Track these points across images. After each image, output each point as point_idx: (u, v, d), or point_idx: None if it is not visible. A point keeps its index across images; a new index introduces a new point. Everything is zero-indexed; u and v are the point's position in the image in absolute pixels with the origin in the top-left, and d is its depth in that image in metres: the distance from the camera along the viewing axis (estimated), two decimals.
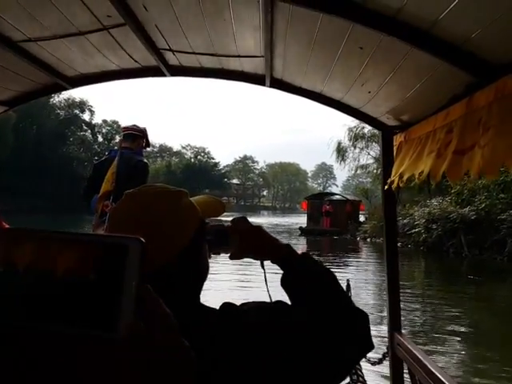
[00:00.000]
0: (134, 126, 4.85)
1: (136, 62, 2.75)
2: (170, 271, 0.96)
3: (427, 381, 2.34)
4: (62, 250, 0.54)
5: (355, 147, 38.27)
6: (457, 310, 11.14)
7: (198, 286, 1.06)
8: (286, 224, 48.23)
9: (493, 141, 1.65)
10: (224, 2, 2.04)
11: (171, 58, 2.75)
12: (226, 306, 1.03)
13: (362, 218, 35.75)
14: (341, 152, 40.13)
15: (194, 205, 1.06)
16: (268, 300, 1.19)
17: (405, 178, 2.50)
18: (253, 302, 1.08)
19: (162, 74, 2.86)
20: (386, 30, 1.87)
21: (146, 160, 4.81)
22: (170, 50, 2.63)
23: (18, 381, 0.56)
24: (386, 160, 2.93)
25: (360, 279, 14.50)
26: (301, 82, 2.92)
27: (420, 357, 2.51)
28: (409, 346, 2.72)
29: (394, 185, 2.72)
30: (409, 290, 12.87)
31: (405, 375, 3.01)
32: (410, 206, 26.80)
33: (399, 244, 25.26)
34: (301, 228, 34.73)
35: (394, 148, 2.85)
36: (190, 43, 2.55)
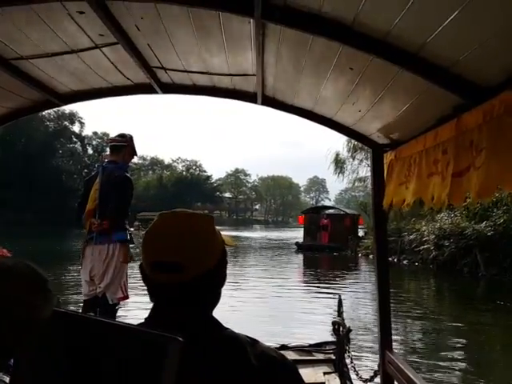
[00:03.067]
0: (119, 135, 4.81)
1: (128, 79, 2.77)
2: (203, 282, 1.07)
3: None
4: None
5: (354, 158, 35.73)
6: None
7: (217, 299, 1.16)
8: (280, 239, 47.00)
9: (486, 163, 1.67)
10: (216, 23, 2.06)
11: (163, 76, 2.77)
12: (243, 338, 1.09)
13: (361, 233, 33.97)
14: (339, 164, 37.92)
15: (218, 230, 1.18)
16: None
17: (410, 200, 2.44)
18: (270, 348, 1.13)
19: (154, 92, 2.87)
20: (375, 51, 1.90)
21: (128, 173, 4.75)
22: (162, 68, 2.64)
23: None
24: (377, 177, 2.96)
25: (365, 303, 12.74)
26: (292, 100, 2.95)
27: (410, 375, 2.51)
28: (399, 365, 2.71)
29: (386, 203, 2.74)
30: (418, 321, 11.21)
31: None
32: (416, 220, 24.86)
33: (406, 261, 23.80)
34: (297, 243, 33.12)
35: (385, 166, 2.88)
36: (182, 61, 2.57)
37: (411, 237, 23.60)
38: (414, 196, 2.34)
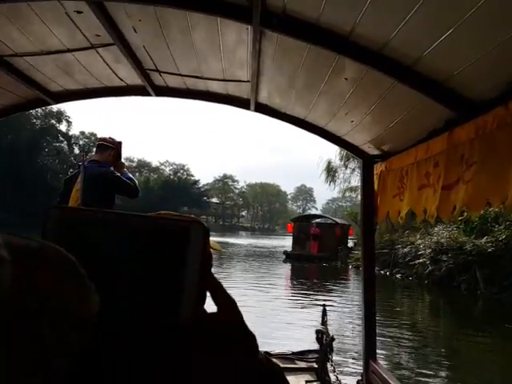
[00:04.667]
0: (110, 138, 4.79)
1: (122, 80, 2.76)
2: None
3: None
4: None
5: (346, 167, 34.18)
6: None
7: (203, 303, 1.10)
8: (267, 246, 45.43)
9: (476, 177, 1.69)
10: (214, 28, 2.06)
11: (157, 79, 2.77)
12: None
13: (350, 244, 32.40)
14: (330, 172, 36.41)
15: None
16: None
17: (403, 212, 2.47)
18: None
19: (148, 94, 2.87)
20: (370, 63, 1.92)
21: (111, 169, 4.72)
22: (157, 70, 2.64)
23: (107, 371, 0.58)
24: (367, 188, 2.97)
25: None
26: (285, 107, 2.96)
27: None
28: (383, 375, 2.72)
29: (381, 214, 2.75)
30: (410, 341, 10.33)
31: None
32: (410, 233, 23.76)
33: (399, 276, 22.70)
34: (286, 252, 31.91)
35: (375, 176, 2.90)
36: (177, 65, 2.57)
37: (405, 250, 22.64)
38: (407, 208, 2.36)
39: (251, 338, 0.64)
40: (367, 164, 2.99)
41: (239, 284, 17.24)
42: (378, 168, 2.86)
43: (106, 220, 0.56)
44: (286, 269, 26.86)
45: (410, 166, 2.38)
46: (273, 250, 40.12)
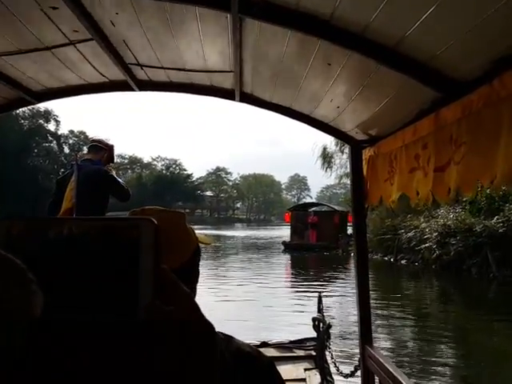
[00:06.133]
0: (100, 140, 4.78)
1: (104, 76, 2.72)
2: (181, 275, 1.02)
3: None
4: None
5: (343, 152, 32.56)
6: None
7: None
8: (265, 238, 44.82)
9: (466, 157, 1.68)
10: (192, 18, 2.03)
11: (139, 73, 2.73)
12: (218, 335, 1.05)
13: (349, 231, 30.53)
14: (326, 158, 35.72)
15: (191, 227, 1.15)
16: None
17: (395, 197, 2.45)
18: (245, 344, 1.08)
19: (131, 89, 2.83)
20: (352, 46, 1.90)
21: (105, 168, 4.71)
22: (138, 64, 2.60)
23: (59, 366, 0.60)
24: (356, 174, 2.96)
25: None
26: (270, 96, 2.93)
27: (391, 370, 2.52)
28: (380, 359, 2.72)
29: (373, 199, 2.74)
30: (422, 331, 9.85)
31: None
32: (413, 216, 22.77)
33: (404, 261, 22.10)
34: (284, 243, 31.11)
35: (364, 162, 2.88)
36: (159, 58, 2.53)
37: (409, 234, 21.60)
38: (399, 192, 2.34)
39: (209, 330, 0.65)
40: (355, 149, 2.97)
41: (240, 279, 16.98)
42: (367, 153, 2.84)
43: (55, 224, 0.57)
44: (285, 260, 26.42)
45: (398, 149, 2.36)
46: (270, 240, 39.63)
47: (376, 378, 2.81)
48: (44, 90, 2.83)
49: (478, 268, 17.89)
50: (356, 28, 1.80)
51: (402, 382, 2.33)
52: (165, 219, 1.09)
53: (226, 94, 2.95)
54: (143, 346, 0.59)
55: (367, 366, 2.93)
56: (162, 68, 2.66)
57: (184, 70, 2.68)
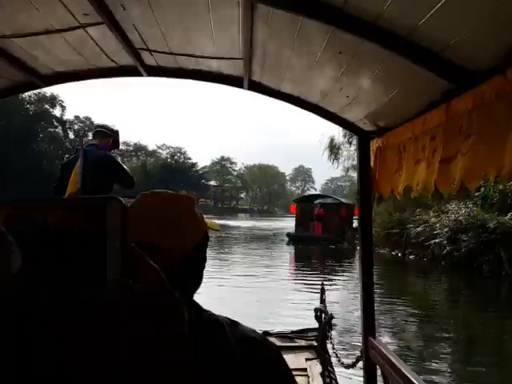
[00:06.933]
0: (106, 125, 4.79)
1: (112, 61, 2.71)
2: (182, 264, 1.04)
3: None
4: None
5: (350, 144, 31.92)
6: None
7: (199, 282, 1.13)
8: (269, 229, 44.19)
9: (473, 148, 1.67)
10: (203, 3, 2.01)
11: (148, 58, 2.71)
12: (222, 320, 1.07)
13: (355, 224, 29.77)
14: (333, 150, 34.97)
15: (200, 212, 1.16)
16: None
17: (400, 188, 2.45)
18: (251, 329, 1.10)
19: (139, 74, 2.82)
20: (365, 35, 1.88)
21: (112, 154, 4.72)
22: (147, 49, 2.59)
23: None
24: (364, 165, 2.95)
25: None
26: (279, 85, 2.91)
27: (394, 361, 2.53)
28: (383, 350, 2.73)
29: (383, 191, 2.73)
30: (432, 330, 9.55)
31: (378, 378, 3.03)
32: (422, 211, 22.42)
33: (412, 257, 21.94)
34: (289, 234, 30.74)
35: (372, 153, 2.87)
36: (168, 43, 2.52)
37: (418, 229, 21.07)
38: (404, 183, 2.34)
39: (175, 304, 0.66)
40: (363, 140, 2.96)
41: (245, 271, 16.82)
42: (375, 144, 2.83)
43: (32, 209, 0.60)
44: (290, 252, 26.14)
45: (407, 140, 2.35)
46: (274, 231, 39.28)
47: (378, 369, 2.83)
48: (52, 73, 2.83)
49: (489, 265, 17.34)
50: (369, 16, 1.79)
51: (405, 372, 2.34)
52: (175, 204, 1.10)
53: (235, 82, 2.93)
54: (114, 321, 0.61)
55: (370, 356, 2.94)
56: (171, 54, 2.64)
57: (193, 56, 2.66)
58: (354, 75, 2.32)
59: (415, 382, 2.25)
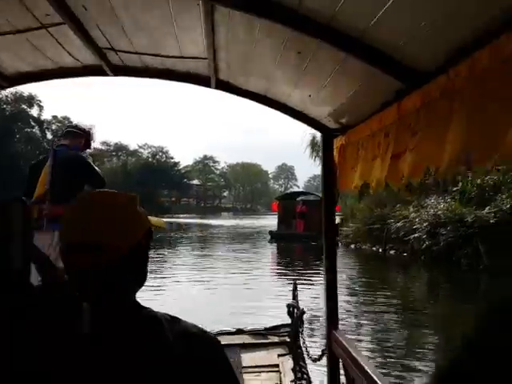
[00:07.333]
0: (77, 125, 4.77)
1: (77, 60, 2.72)
2: (120, 264, 1.05)
3: (359, 377, 2.41)
4: None
5: None
6: None
7: (142, 281, 1.13)
8: (252, 227, 44.22)
9: (419, 144, 1.74)
10: (164, 4, 2.04)
11: (113, 58, 2.73)
12: (161, 316, 1.09)
13: (337, 220, 28.90)
14: (315, 147, 34.88)
15: (143, 210, 1.16)
16: None
17: (357, 183, 2.53)
18: (192, 324, 1.12)
19: (105, 74, 2.83)
20: (320, 36, 1.93)
21: (83, 154, 4.66)
22: (112, 49, 2.60)
23: None
24: (327, 162, 3.01)
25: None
26: (246, 84, 2.95)
27: (354, 354, 2.59)
28: (344, 343, 2.79)
29: (342, 187, 2.80)
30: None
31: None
32: (402, 206, 22.62)
33: (392, 252, 21.92)
34: (271, 232, 30.91)
35: (335, 150, 2.93)
36: (133, 43, 2.54)
37: (398, 224, 21.22)
38: (361, 179, 2.40)
39: (74, 296, 0.70)
40: (327, 138, 3.02)
41: (225, 272, 16.45)
42: (339, 142, 2.89)
43: None
44: (272, 250, 26.29)
45: (365, 137, 2.41)
46: (257, 230, 39.31)
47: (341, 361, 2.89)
48: (16, 73, 2.82)
49: (468, 259, 17.45)
50: (323, 18, 1.84)
51: (364, 366, 2.40)
52: (116, 202, 1.11)
53: (202, 81, 2.96)
54: (14, 317, 0.64)
55: (332, 350, 3.00)
56: (136, 53, 2.66)
57: (159, 55, 2.69)
58: (315, 74, 2.37)
59: (373, 376, 2.31)
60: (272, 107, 3.05)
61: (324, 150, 3.05)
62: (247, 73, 2.74)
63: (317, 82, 2.44)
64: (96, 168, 4.59)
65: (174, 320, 1.09)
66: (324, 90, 2.47)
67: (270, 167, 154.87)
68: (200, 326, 1.13)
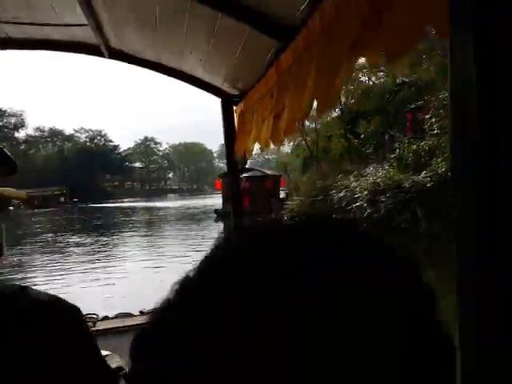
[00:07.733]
0: None
1: None
2: None
3: None
4: None
5: None
6: None
7: None
8: (198, 207, 44.74)
9: (291, 101, 1.71)
10: None
11: None
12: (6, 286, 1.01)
13: (282, 195, 31.59)
14: None
15: None
16: None
17: (251, 147, 2.53)
18: (42, 292, 1.02)
19: None
20: None
21: None
22: None
23: None
24: (228, 129, 2.95)
25: None
26: (140, 52, 2.83)
27: None
28: None
29: (239, 152, 2.76)
30: None
31: None
32: (344, 176, 22.65)
33: None
34: (216, 211, 31.03)
35: (236, 116, 2.88)
36: (8, 11, 2.36)
37: (340, 194, 21.18)
38: (253, 142, 2.37)
39: None
40: (226, 104, 2.94)
41: (170, 251, 16.83)
42: (239, 108, 2.84)
43: None
44: (219, 228, 26.50)
45: (257, 101, 2.37)
46: (203, 209, 39.42)
47: None
48: None
49: (407, 224, 17.37)
50: None
51: None
52: None
53: (92, 51, 2.81)
54: None
55: None
56: (11, 23, 2.48)
57: (39, 24, 2.52)
58: (198, 37, 2.29)
59: None
60: (168, 75, 2.95)
61: (224, 116, 2.97)
62: (134, 40, 2.62)
63: (202, 44, 2.36)
64: (6, 152, 4.33)
65: (21, 288, 1.02)
66: (212, 53, 2.40)
67: (213, 146, 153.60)
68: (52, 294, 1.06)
